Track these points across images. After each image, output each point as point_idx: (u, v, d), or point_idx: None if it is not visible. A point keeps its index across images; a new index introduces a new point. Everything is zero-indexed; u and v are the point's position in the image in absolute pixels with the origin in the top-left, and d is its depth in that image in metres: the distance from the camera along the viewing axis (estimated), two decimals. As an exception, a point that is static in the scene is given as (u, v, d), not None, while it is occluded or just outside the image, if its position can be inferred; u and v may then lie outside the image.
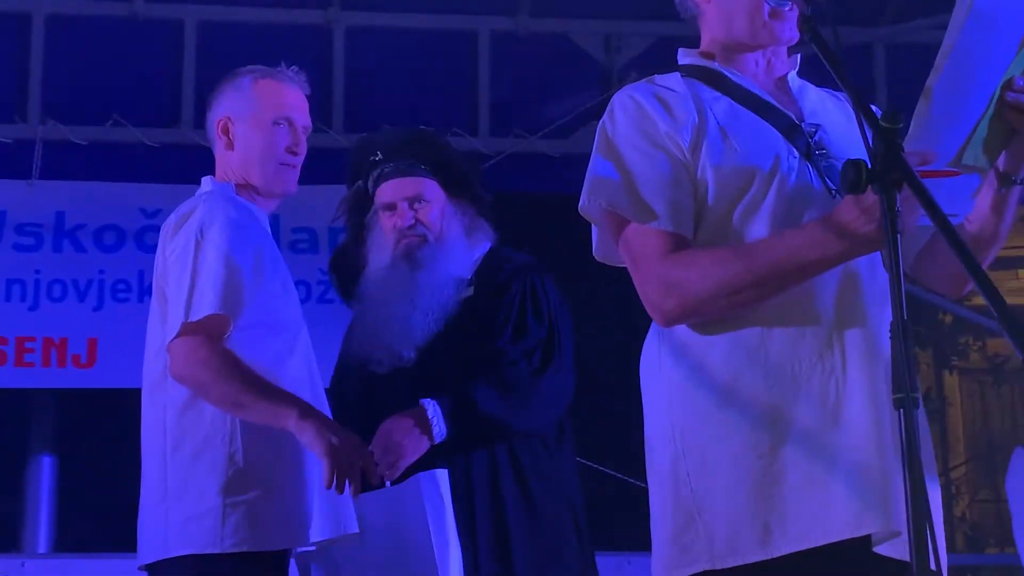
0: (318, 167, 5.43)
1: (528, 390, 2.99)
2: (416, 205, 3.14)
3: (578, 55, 5.71)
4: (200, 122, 3.31)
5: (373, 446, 2.77)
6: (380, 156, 3.19)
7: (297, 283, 5.18)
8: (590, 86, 5.71)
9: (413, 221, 3.12)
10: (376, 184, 3.19)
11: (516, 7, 5.58)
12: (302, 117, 2.87)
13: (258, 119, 2.82)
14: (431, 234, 3.13)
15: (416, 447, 2.85)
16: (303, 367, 2.75)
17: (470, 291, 3.12)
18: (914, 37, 5.36)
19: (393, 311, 3.07)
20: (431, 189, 3.17)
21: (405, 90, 5.50)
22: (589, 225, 2.16)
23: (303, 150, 2.85)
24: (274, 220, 5.34)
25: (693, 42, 2.24)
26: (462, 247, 3.18)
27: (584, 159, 2.10)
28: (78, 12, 5.37)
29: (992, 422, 5.61)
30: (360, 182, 3.25)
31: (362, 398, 3.07)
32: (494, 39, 5.64)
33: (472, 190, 3.27)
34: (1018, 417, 5.69)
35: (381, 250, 3.19)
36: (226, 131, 2.84)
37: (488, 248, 3.22)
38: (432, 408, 2.90)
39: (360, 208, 3.27)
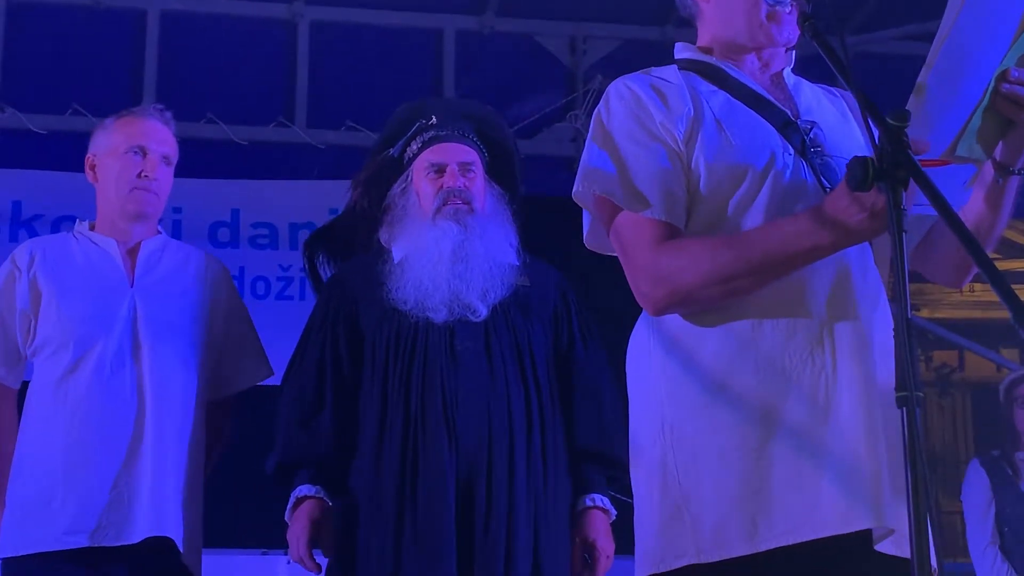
0: (280, 162, 5.46)
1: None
2: (466, 173, 3.09)
3: (543, 56, 5.71)
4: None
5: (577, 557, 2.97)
6: (434, 120, 3.15)
7: (256, 279, 5.25)
8: (555, 87, 5.70)
9: (464, 186, 3.07)
10: (424, 146, 3.12)
11: (482, 6, 5.57)
12: (158, 145, 3.17)
13: (114, 151, 3.15)
14: (477, 204, 3.08)
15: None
16: (82, 384, 2.98)
17: (526, 280, 3.08)
18: (878, 48, 5.39)
19: (459, 269, 2.99)
20: (477, 163, 3.13)
21: (369, 87, 5.47)
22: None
23: (157, 173, 3.14)
24: (234, 215, 5.39)
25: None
26: (508, 233, 3.13)
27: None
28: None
29: (934, 434, 5.65)
30: (390, 150, 3.19)
31: (436, 344, 2.95)
32: (459, 38, 5.63)
33: (513, 180, 3.23)
34: (959, 429, 5.74)
35: (417, 210, 3.09)
36: (92, 167, 3.20)
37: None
38: (604, 501, 3.01)
39: (383, 178, 3.19)
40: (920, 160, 1.71)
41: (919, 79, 1.78)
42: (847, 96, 2.21)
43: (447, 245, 3.01)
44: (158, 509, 2.93)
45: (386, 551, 2.81)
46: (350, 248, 3.26)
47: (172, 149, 3.22)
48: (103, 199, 3.20)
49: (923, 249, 2.09)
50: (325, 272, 3.29)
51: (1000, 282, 1.51)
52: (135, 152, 3.14)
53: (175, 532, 2.95)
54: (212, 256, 3.35)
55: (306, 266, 3.30)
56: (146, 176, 3.12)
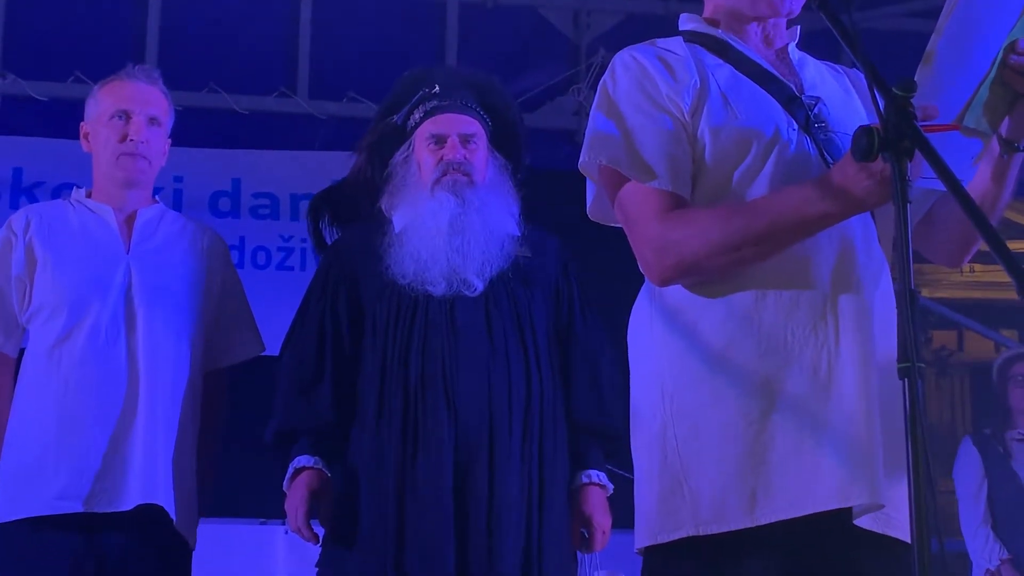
0: (281, 132, 5.45)
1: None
2: (467, 144, 3.08)
3: (546, 29, 5.69)
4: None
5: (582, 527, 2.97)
6: (438, 89, 3.13)
7: (256, 249, 5.25)
8: (558, 61, 5.69)
9: (464, 158, 3.06)
10: (426, 116, 3.10)
11: (486, -21, 5.56)
12: (142, 107, 3.14)
13: (100, 118, 3.15)
14: (477, 176, 3.07)
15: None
16: (76, 351, 2.97)
17: (526, 251, 3.07)
18: (884, 24, 5.37)
19: (456, 242, 2.98)
20: (480, 134, 3.12)
21: (372, 58, 5.46)
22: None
23: (142, 136, 3.10)
24: (235, 184, 5.38)
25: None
26: (509, 203, 3.11)
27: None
28: (41, -34, 5.30)
29: (931, 414, 5.67)
30: (394, 117, 3.17)
31: (436, 317, 2.95)
32: (463, 10, 5.62)
33: (517, 152, 3.22)
34: (956, 410, 5.76)
35: (416, 180, 3.08)
36: (85, 136, 3.20)
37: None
38: (601, 477, 3.00)
39: (386, 144, 3.18)
40: (929, 124, 1.71)
41: (928, 47, 1.78)
42: (851, 73, 2.21)
43: (444, 217, 3.00)
44: (149, 477, 2.92)
45: (384, 523, 2.81)
46: (355, 213, 3.24)
47: (159, 109, 3.18)
48: (96, 168, 3.19)
49: (924, 227, 2.09)
50: (329, 235, 3.28)
51: (1004, 252, 1.51)
52: (119, 117, 3.12)
53: (166, 500, 2.94)
54: (209, 228, 3.34)
55: (310, 227, 3.28)
56: (131, 140, 3.10)
